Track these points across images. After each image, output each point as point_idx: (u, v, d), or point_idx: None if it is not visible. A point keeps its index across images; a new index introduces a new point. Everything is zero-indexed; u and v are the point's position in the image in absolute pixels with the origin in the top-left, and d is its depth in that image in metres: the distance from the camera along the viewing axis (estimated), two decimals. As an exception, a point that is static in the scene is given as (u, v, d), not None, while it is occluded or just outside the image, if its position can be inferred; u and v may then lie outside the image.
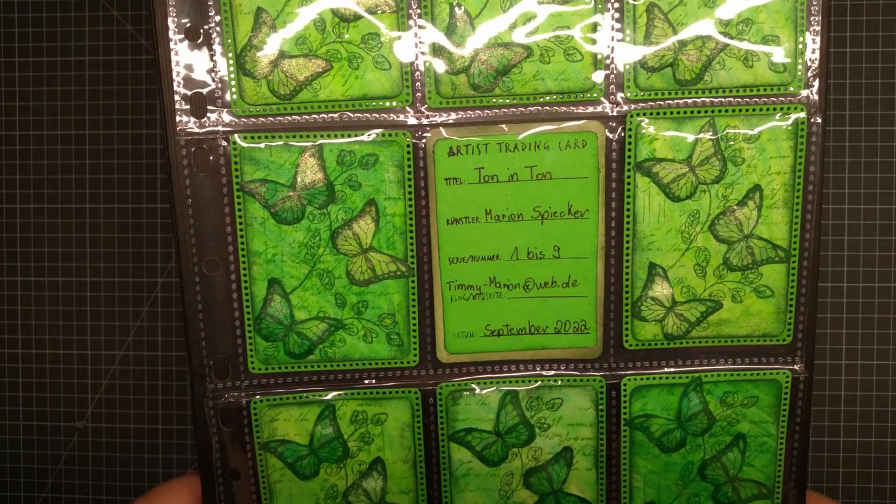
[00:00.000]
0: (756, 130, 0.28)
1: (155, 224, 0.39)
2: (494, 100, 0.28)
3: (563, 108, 0.28)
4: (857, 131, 0.37)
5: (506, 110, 0.28)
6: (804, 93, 0.28)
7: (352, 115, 0.28)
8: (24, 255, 0.40)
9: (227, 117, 0.28)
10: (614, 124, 0.28)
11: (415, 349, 0.30)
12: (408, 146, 0.28)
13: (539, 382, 0.30)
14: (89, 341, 0.40)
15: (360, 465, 0.30)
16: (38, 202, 0.39)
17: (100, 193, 0.39)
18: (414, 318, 0.30)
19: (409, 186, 0.28)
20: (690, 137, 0.28)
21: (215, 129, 0.28)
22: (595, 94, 0.28)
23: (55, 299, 0.40)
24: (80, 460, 0.41)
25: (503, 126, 0.28)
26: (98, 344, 0.40)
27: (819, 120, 0.28)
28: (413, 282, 0.29)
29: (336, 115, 0.28)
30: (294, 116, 0.28)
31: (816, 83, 0.28)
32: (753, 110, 0.28)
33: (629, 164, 0.28)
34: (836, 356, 0.38)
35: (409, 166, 0.28)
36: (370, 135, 0.28)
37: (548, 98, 0.28)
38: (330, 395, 0.30)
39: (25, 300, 0.40)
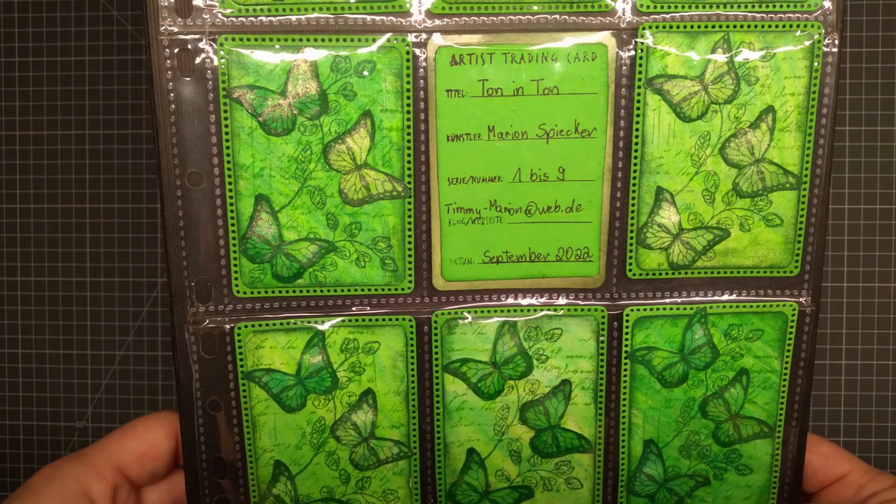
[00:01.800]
0: (771, 48, 0.27)
1: (155, 224, 0.39)
2: (501, 6, 0.26)
3: (573, 18, 0.27)
4: (857, 131, 0.37)
5: (512, 17, 0.27)
6: (822, 8, 0.27)
7: (349, 17, 0.26)
8: (24, 255, 0.40)
9: (214, 17, 0.26)
10: (626, 37, 0.27)
11: (410, 275, 0.28)
12: (407, 53, 0.26)
13: (538, 312, 0.29)
14: (89, 341, 0.40)
15: (349, 396, 0.29)
16: (38, 202, 0.39)
17: (100, 193, 0.39)
18: (410, 243, 0.28)
19: (408, 98, 0.27)
20: (704, 53, 0.27)
21: (202, 29, 0.26)
22: (606, 4, 0.27)
23: (55, 299, 0.40)
24: None
25: (509, 34, 0.27)
26: (98, 344, 0.40)
27: (836, 39, 0.27)
28: (409, 203, 0.28)
29: (332, 18, 0.26)
30: (285, 17, 0.26)
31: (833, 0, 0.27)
32: (769, 26, 0.27)
33: (640, 80, 0.27)
34: (836, 356, 0.38)
35: (408, 76, 0.27)
36: (367, 41, 0.26)
37: (557, 6, 0.27)
38: (319, 322, 0.28)
39: (25, 300, 0.40)
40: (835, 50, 0.27)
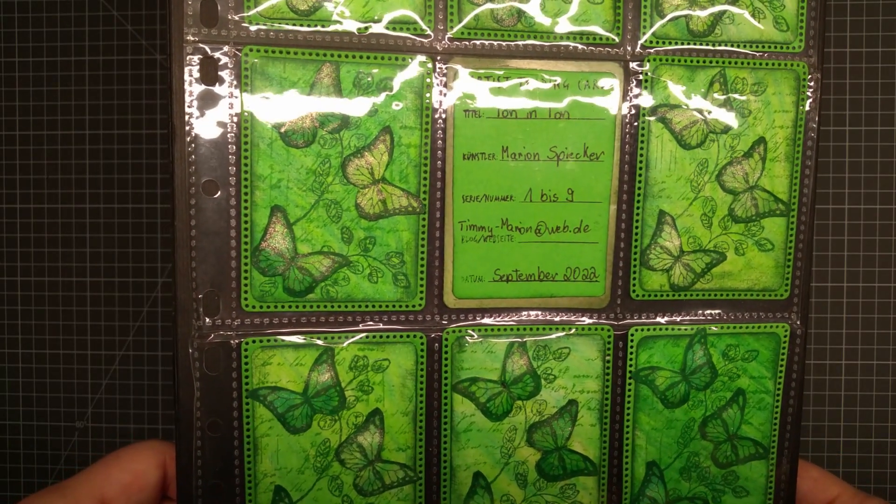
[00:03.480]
0: (762, 84, 0.29)
1: (155, 224, 0.39)
2: (517, 35, 0.28)
3: (584, 48, 0.28)
4: (857, 131, 0.38)
5: (528, 44, 0.28)
6: (806, 49, 0.29)
7: (373, 35, 0.27)
8: (24, 255, 0.39)
9: (240, 28, 0.26)
10: (632, 67, 0.28)
11: (421, 292, 0.28)
12: (428, 74, 0.27)
13: (547, 331, 0.29)
14: (89, 341, 0.39)
15: (356, 417, 0.28)
16: (38, 202, 0.39)
17: (100, 193, 0.39)
18: (422, 259, 0.28)
19: (427, 116, 0.27)
20: (703, 86, 0.29)
21: (226, 39, 0.26)
22: (614, 36, 0.28)
23: (55, 299, 0.39)
24: (80, 460, 0.40)
25: (525, 60, 0.28)
26: (98, 344, 0.39)
27: (819, 76, 0.29)
28: (424, 219, 0.28)
29: (356, 35, 0.27)
30: (311, 30, 0.26)
31: (816, 42, 0.29)
32: (760, 64, 0.29)
33: (644, 108, 0.29)
34: (836, 356, 0.39)
35: (427, 95, 0.27)
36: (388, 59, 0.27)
37: (570, 37, 0.28)
38: (329, 338, 0.28)
39: (25, 300, 0.39)
40: (817, 86, 0.29)
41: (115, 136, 0.38)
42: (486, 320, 0.29)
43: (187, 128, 0.26)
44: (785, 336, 0.30)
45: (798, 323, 0.30)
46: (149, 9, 0.38)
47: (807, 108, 0.29)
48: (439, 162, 0.28)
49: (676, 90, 0.29)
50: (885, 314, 0.39)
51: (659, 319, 0.30)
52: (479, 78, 0.28)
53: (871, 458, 0.40)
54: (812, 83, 0.29)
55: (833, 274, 0.39)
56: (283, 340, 0.27)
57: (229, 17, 0.26)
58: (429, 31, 0.27)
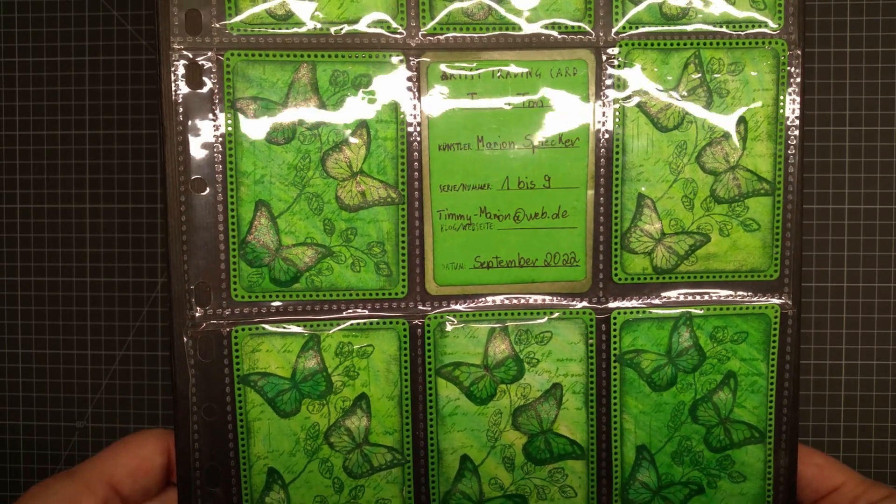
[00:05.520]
0: (739, 63, 0.29)
1: (155, 224, 0.39)
2: (489, 27, 0.29)
3: (555, 36, 0.29)
4: (857, 131, 0.38)
5: (499, 36, 0.29)
6: (785, 26, 0.29)
7: (347, 35, 0.28)
8: (24, 255, 0.39)
9: (222, 34, 0.28)
10: (604, 53, 0.29)
11: (403, 280, 0.29)
12: (401, 69, 0.28)
13: (528, 315, 0.29)
14: (89, 341, 0.39)
15: (343, 401, 0.29)
16: (38, 202, 0.39)
17: (100, 193, 0.39)
18: (403, 248, 0.29)
19: (402, 109, 0.28)
20: (677, 68, 0.29)
21: (209, 46, 0.28)
22: (585, 24, 0.29)
23: (55, 299, 0.39)
24: (79, 460, 0.40)
25: (497, 52, 0.29)
26: (98, 344, 0.39)
27: (799, 53, 0.29)
28: (403, 209, 0.29)
29: (331, 36, 0.28)
30: (288, 33, 0.28)
31: (796, 18, 0.29)
32: (737, 43, 0.29)
33: (618, 93, 0.29)
34: (836, 356, 0.38)
35: (402, 89, 0.28)
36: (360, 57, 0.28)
37: (539, 27, 0.29)
38: (315, 326, 0.29)
39: (25, 300, 0.39)
40: (799, 63, 0.29)
41: (115, 136, 0.39)
42: (468, 306, 0.29)
43: (176, 129, 0.28)
44: (775, 317, 0.30)
45: (790, 304, 0.30)
46: (149, 9, 0.38)
47: (788, 85, 0.29)
48: (416, 153, 0.29)
49: (650, 74, 0.29)
50: (884, 314, 0.38)
51: (642, 302, 0.30)
52: (453, 71, 0.29)
53: (871, 459, 0.39)
54: (793, 60, 0.29)
55: (833, 274, 0.38)
56: (270, 328, 0.29)
57: (212, 25, 0.28)
58: (401, 29, 0.28)
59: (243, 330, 0.29)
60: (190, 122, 0.28)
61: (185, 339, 0.28)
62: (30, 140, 0.39)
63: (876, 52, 0.38)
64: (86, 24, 0.39)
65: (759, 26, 0.29)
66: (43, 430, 0.40)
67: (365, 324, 0.29)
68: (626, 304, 0.30)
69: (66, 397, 0.40)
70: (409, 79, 0.28)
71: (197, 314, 0.28)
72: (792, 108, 0.29)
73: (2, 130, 0.39)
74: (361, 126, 0.28)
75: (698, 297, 0.30)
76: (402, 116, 0.29)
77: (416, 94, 0.28)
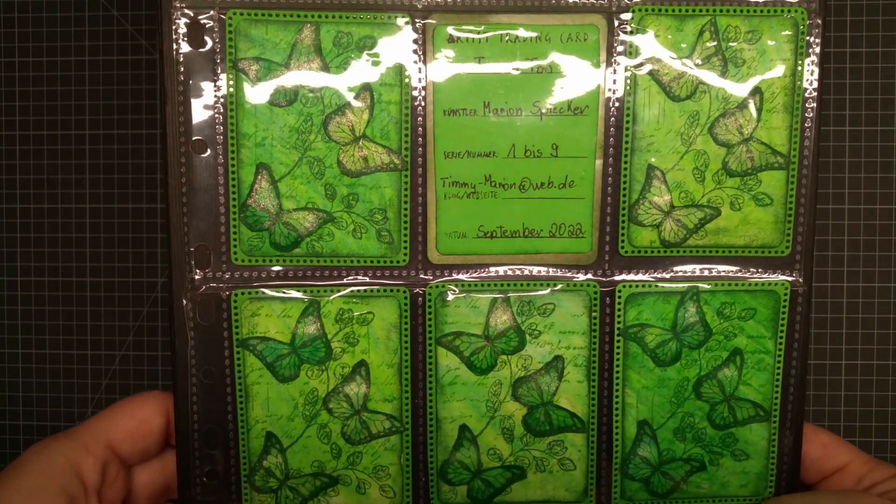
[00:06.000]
0: (757, 32, 0.28)
1: (155, 224, 0.39)
2: (496, -12, 0.28)
3: (565, 0, 0.28)
4: (857, 131, 0.38)
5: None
6: (805, -7, 0.28)
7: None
8: (24, 255, 0.39)
9: (223, -8, 0.27)
10: (616, 18, 0.28)
11: (405, 248, 0.29)
12: (407, 30, 0.28)
13: (531, 286, 0.29)
14: (89, 341, 0.40)
15: (342, 367, 0.29)
16: (38, 202, 0.39)
17: (100, 193, 0.39)
18: (406, 215, 0.29)
19: (407, 73, 0.28)
20: (692, 35, 0.28)
21: (212, 4, 0.27)
22: (597, -13, 0.28)
23: (55, 299, 0.40)
24: None
25: (505, 15, 0.28)
26: (98, 344, 0.40)
27: (819, 22, 0.28)
28: (406, 176, 0.28)
29: (335, -5, 0.27)
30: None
31: (817, -14, 0.28)
32: (754, 11, 0.28)
33: (630, 60, 0.28)
34: (836, 356, 0.38)
35: (407, 51, 0.28)
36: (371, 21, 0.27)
37: (550, -12, 0.28)
38: (315, 291, 0.29)
39: (25, 300, 0.40)
40: (818, 33, 0.28)
41: (115, 136, 0.38)
42: (470, 276, 0.29)
43: (177, 89, 0.27)
44: (785, 294, 0.29)
45: (801, 281, 0.29)
46: (149, 9, 0.38)
47: (807, 55, 0.28)
48: (420, 119, 0.28)
49: (664, 41, 0.28)
50: (885, 314, 0.38)
51: (648, 276, 0.29)
52: (460, 34, 0.28)
53: (872, 397, 0.38)
54: (813, 29, 0.28)
55: (833, 274, 0.38)
56: (270, 293, 0.28)
57: (215, -17, 0.27)
58: (407, -11, 0.28)
59: (243, 294, 0.28)
60: (191, 82, 0.27)
61: (184, 302, 0.28)
62: (30, 140, 0.39)
63: (876, 52, 0.37)
64: (86, 24, 0.38)
65: (780, -8, 0.28)
66: (43, 430, 0.40)
67: (365, 291, 0.29)
68: (631, 277, 0.29)
69: (66, 397, 0.40)
70: (415, 41, 0.28)
71: (197, 277, 0.28)
72: (810, 79, 0.28)
73: (2, 130, 0.39)
74: (365, 89, 0.28)
75: (706, 272, 0.29)
76: (406, 80, 0.28)
77: (422, 57, 0.28)
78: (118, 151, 0.39)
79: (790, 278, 0.29)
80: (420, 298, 0.29)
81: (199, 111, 0.27)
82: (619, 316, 0.29)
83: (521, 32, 0.28)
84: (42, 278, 0.39)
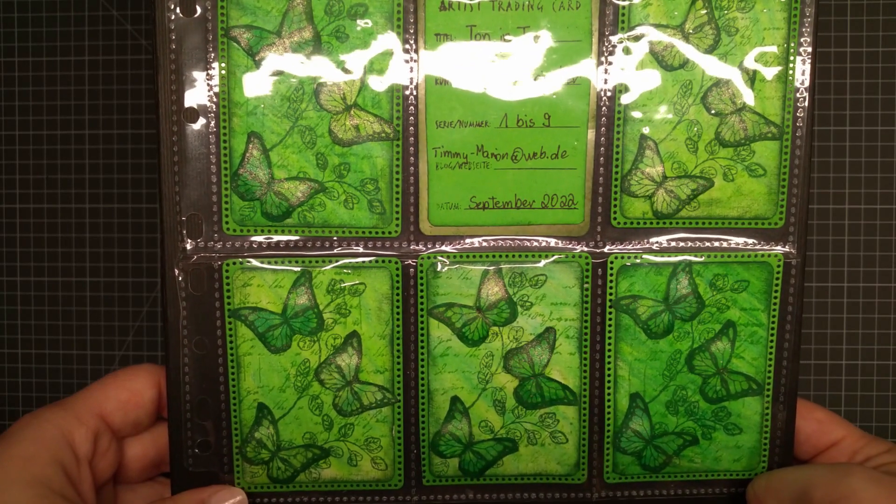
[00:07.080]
0: (750, 0, 0.28)
1: (155, 224, 0.39)
2: (488, -43, 0.28)
3: (557, -32, 0.28)
4: (857, 131, 0.37)
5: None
6: (799, -38, 0.28)
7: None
8: (24, 255, 0.39)
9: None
10: (608, -14, 0.28)
11: (397, 219, 0.29)
12: (398, -1, 0.28)
13: (523, 258, 0.29)
14: (89, 341, 0.40)
15: (334, 338, 0.29)
16: (38, 202, 0.39)
17: (100, 193, 0.39)
18: (397, 186, 0.29)
19: (398, 40, 0.28)
20: (685, 3, 0.28)
21: (202, -28, 0.27)
22: (590, -45, 0.28)
23: (55, 299, 0.40)
24: None
25: (496, -17, 0.28)
26: (98, 344, 0.40)
27: (813, -9, 0.28)
28: (398, 146, 0.28)
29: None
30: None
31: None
32: (748, -21, 0.28)
33: (622, 28, 0.28)
34: (836, 356, 0.38)
35: (398, 19, 0.28)
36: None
37: (542, -43, 0.28)
38: (307, 262, 0.29)
39: (25, 300, 0.40)
40: (812, 2, 0.28)
41: (115, 136, 0.38)
42: (462, 247, 0.29)
43: (169, 58, 0.27)
44: (778, 266, 0.29)
45: (794, 252, 0.29)
46: (149, 9, 0.37)
47: (801, 24, 0.28)
48: (411, 87, 0.28)
49: (656, 9, 0.28)
50: (884, 314, 0.38)
51: (640, 247, 0.29)
52: (450, 1, 0.28)
53: (873, 397, 0.38)
54: (807, -2, 0.28)
55: (833, 274, 0.38)
56: (261, 263, 0.28)
57: (207, -49, 0.27)
58: (399, -42, 0.28)
59: (234, 264, 0.28)
60: (183, 51, 0.27)
61: (176, 272, 0.28)
62: (30, 140, 0.39)
63: (876, 52, 0.37)
64: (86, 24, 0.38)
65: (773, -39, 0.28)
66: None
67: (357, 262, 0.29)
68: (623, 248, 0.29)
69: (67, 397, 0.40)
70: (407, 9, 0.28)
71: (188, 246, 0.28)
72: (804, 48, 0.28)
73: (2, 130, 0.39)
74: (356, 58, 0.28)
75: (699, 244, 0.29)
76: (398, 48, 0.28)
77: (414, 24, 0.28)
78: (118, 151, 0.39)
79: (783, 250, 0.29)
80: (412, 269, 0.29)
81: (191, 80, 0.27)
82: (611, 287, 0.29)
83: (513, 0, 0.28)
84: (42, 278, 0.39)
